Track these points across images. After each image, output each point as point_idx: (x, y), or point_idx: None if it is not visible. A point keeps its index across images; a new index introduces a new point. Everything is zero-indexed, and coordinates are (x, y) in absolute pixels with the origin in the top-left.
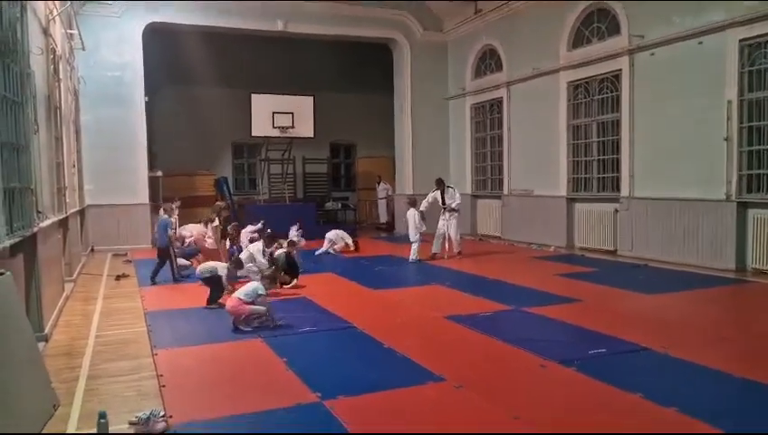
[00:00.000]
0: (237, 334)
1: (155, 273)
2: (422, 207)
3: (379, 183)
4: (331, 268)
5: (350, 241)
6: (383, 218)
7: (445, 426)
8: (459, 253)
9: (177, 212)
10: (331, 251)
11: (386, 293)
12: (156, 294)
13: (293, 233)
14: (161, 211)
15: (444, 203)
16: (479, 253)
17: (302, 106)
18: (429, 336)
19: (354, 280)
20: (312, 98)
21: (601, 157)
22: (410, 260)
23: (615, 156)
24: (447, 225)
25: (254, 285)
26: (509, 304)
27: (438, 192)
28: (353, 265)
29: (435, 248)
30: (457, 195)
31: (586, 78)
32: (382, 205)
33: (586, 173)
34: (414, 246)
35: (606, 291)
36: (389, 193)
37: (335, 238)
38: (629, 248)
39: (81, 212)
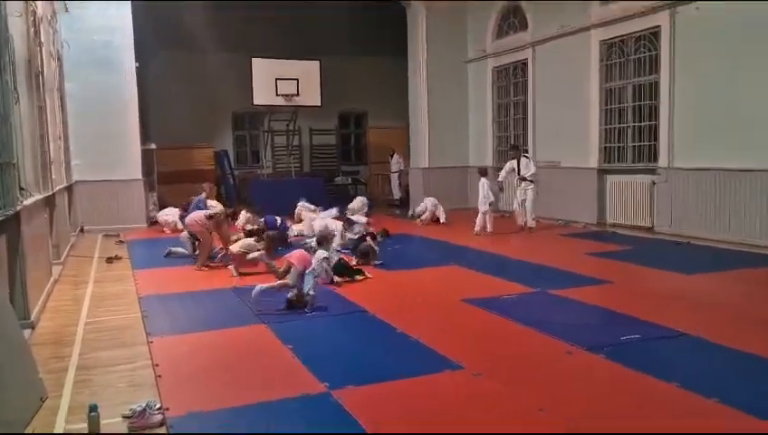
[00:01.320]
0: (239, 320)
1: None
2: (500, 178)
3: (392, 156)
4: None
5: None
6: (396, 194)
7: (463, 418)
8: (531, 229)
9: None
10: None
11: (399, 274)
12: (150, 278)
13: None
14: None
15: (519, 172)
16: (501, 231)
17: (308, 72)
18: (446, 321)
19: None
20: (319, 63)
21: (637, 124)
22: (474, 232)
23: (653, 122)
24: (525, 196)
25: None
26: (533, 285)
27: (515, 161)
28: None
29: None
30: (532, 164)
31: (620, 36)
32: (395, 179)
33: (620, 142)
34: (478, 218)
35: (640, 271)
36: (402, 167)
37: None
38: (668, 224)
39: (69, 189)
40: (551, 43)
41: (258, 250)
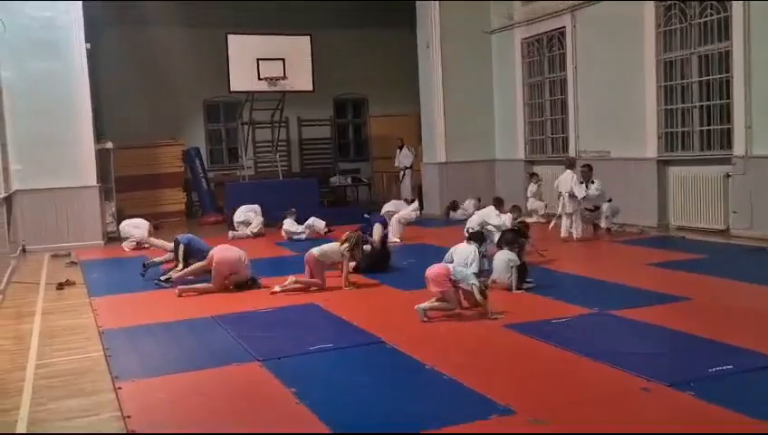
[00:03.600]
0: (227, 357)
1: None
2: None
3: (400, 148)
4: None
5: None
6: (407, 195)
7: None
8: (608, 230)
9: None
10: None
11: (421, 294)
12: (112, 307)
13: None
14: None
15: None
16: (541, 237)
17: (297, 49)
18: (485, 352)
19: (376, 277)
20: (309, 38)
21: (705, 103)
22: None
23: (725, 101)
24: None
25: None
26: (590, 305)
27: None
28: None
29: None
30: (593, 187)
31: None
32: (407, 178)
33: (684, 126)
34: (562, 222)
35: (721, 285)
36: (412, 163)
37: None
38: (747, 225)
39: (8, 200)
40: (594, 7)
41: (344, 255)
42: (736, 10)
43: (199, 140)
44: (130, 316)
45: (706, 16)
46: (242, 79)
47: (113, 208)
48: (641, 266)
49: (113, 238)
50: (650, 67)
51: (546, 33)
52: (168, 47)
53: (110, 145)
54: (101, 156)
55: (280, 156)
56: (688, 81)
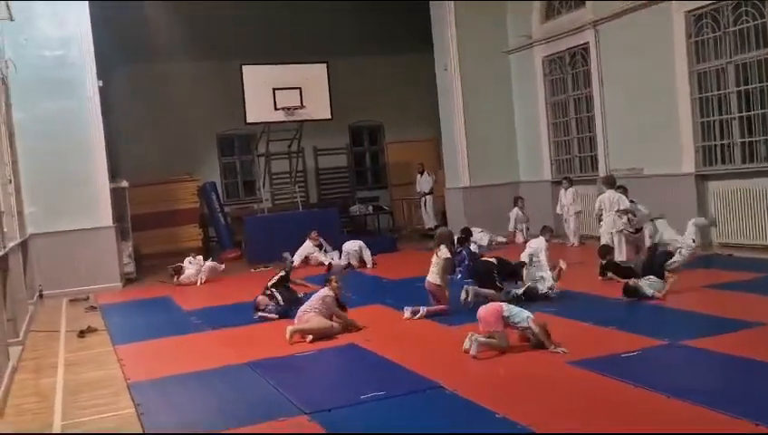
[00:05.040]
0: (270, 410)
1: None
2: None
3: (421, 173)
4: (375, 297)
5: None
6: (429, 222)
7: None
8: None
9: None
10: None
11: (469, 329)
12: (139, 355)
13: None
14: None
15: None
16: (578, 261)
17: (313, 78)
18: (557, 395)
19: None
20: (326, 66)
21: (745, 113)
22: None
23: (767, 110)
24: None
25: None
26: (658, 335)
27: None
28: (406, 290)
29: None
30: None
31: (712, 3)
32: (429, 204)
33: (723, 139)
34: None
35: None
36: (432, 188)
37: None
38: None
39: (23, 244)
40: (619, 20)
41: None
42: None
43: (214, 174)
44: (159, 365)
45: (741, 24)
46: (258, 110)
47: (130, 248)
48: (697, 289)
49: (131, 280)
50: (683, 79)
51: (568, 49)
52: (179, 82)
53: (124, 183)
54: (116, 195)
55: (298, 186)
56: (725, 91)
